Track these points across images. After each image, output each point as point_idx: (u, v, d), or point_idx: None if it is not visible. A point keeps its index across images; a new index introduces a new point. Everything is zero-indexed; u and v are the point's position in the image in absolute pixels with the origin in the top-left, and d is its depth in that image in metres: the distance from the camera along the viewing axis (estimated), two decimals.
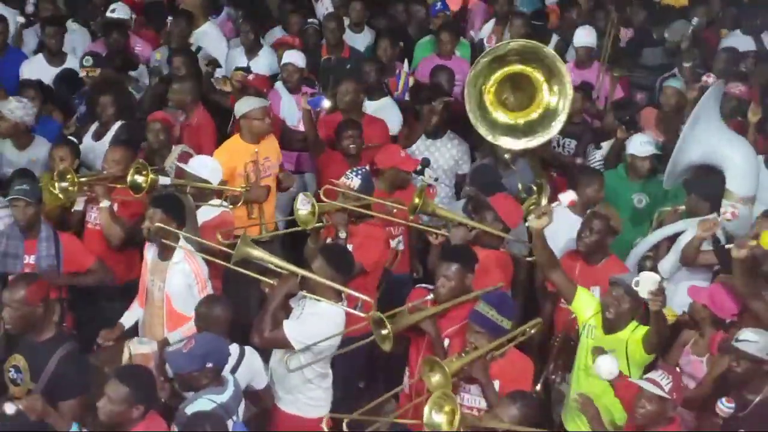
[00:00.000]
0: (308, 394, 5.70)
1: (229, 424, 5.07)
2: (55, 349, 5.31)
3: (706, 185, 6.81)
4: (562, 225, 6.58)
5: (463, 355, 5.36)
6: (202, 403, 5.02)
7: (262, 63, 8.82)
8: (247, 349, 5.60)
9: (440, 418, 5.00)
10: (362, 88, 8.02)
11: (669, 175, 6.98)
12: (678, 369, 5.49)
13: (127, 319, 6.29)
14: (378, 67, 8.40)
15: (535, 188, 7.39)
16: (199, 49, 8.93)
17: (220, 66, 8.66)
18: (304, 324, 5.55)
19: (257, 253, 5.83)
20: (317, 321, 5.55)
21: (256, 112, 7.23)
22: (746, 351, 5.29)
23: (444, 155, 7.82)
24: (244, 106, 7.31)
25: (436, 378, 5.26)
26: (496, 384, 5.37)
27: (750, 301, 5.70)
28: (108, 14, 9.30)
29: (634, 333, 5.56)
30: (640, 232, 7.14)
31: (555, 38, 9.68)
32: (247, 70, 8.37)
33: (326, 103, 7.62)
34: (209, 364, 5.10)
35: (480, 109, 7.31)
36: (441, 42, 9.07)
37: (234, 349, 5.49)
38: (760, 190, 6.84)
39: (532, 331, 5.75)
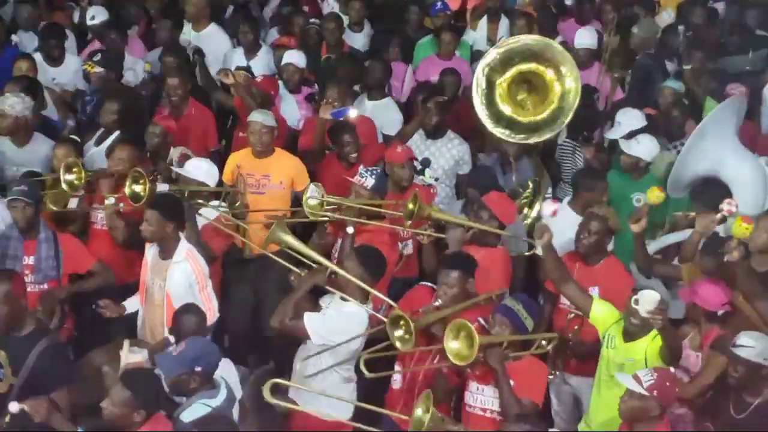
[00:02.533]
0: (329, 397, 5.69)
1: None
2: (35, 343, 5.33)
3: (712, 196, 6.72)
4: (561, 225, 6.59)
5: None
6: (196, 408, 5.01)
7: (261, 63, 8.82)
8: (223, 360, 5.55)
9: (457, 344, 5.10)
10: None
11: (673, 184, 6.96)
12: (672, 369, 5.46)
13: (130, 305, 6.30)
14: (382, 66, 8.37)
15: (530, 184, 7.37)
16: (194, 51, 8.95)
17: (204, 55, 8.65)
18: (326, 319, 5.60)
19: (291, 240, 5.85)
20: (339, 319, 5.60)
21: (252, 124, 7.22)
22: (744, 357, 5.27)
23: (444, 155, 7.79)
24: (251, 114, 7.33)
25: (455, 345, 5.27)
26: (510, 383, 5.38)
27: (753, 302, 5.67)
28: (88, 22, 9.30)
29: (654, 341, 5.53)
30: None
31: (559, 38, 9.70)
32: (249, 70, 8.36)
33: (353, 113, 7.53)
34: (198, 368, 5.09)
35: (486, 98, 7.26)
36: (442, 42, 9.06)
37: None
38: None
39: (549, 347, 5.74)
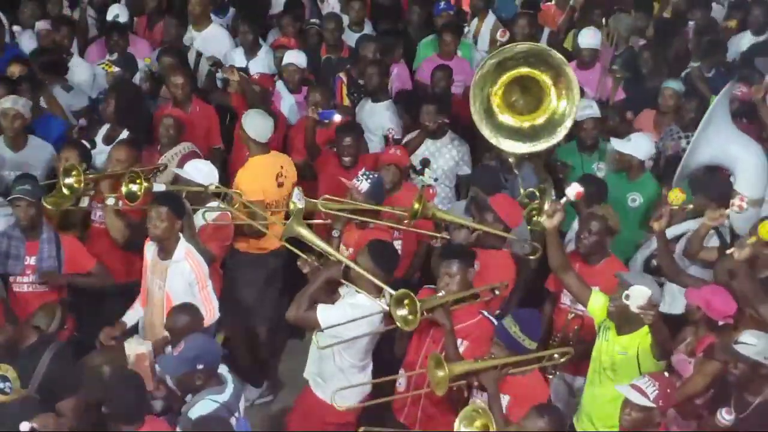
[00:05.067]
0: (339, 384, 5.74)
1: (232, 421, 5.12)
2: (43, 352, 5.34)
3: (712, 185, 6.80)
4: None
5: (478, 362, 5.40)
6: (204, 404, 5.04)
7: (261, 63, 8.83)
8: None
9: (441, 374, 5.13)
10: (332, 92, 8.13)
11: (680, 176, 6.98)
12: (666, 373, 5.45)
13: (129, 318, 6.30)
14: (381, 68, 8.38)
15: (537, 193, 7.36)
16: (200, 54, 8.98)
17: (222, 66, 8.66)
18: (335, 309, 5.66)
19: (306, 233, 5.91)
20: (348, 309, 5.64)
21: None
22: (745, 354, 5.26)
23: (444, 155, 7.82)
24: None
25: (440, 374, 5.29)
26: (506, 399, 5.38)
27: (757, 305, 5.66)
28: (109, 18, 9.28)
29: (646, 336, 5.51)
30: (635, 231, 7.16)
31: (546, 31, 9.72)
32: (245, 71, 8.37)
33: (338, 117, 7.58)
34: (200, 366, 5.11)
35: (485, 111, 7.30)
36: (443, 42, 9.05)
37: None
38: None
39: (562, 360, 5.71)
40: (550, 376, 6.20)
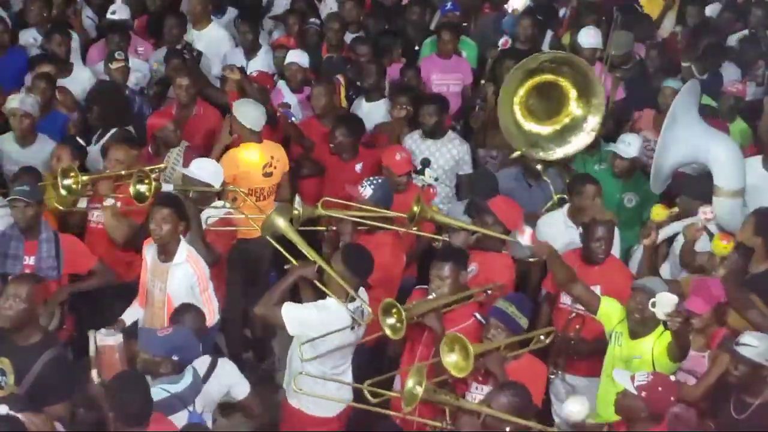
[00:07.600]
0: (315, 390, 5.66)
1: (185, 414, 5.13)
2: (41, 353, 5.32)
3: (695, 184, 6.84)
4: (557, 229, 6.71)
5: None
6: (154, 392, 4.98)
7: (261, 63, 8.83)
8: (220, 360, 5.58)
9: (454, 357, 5.20)
10: (334, 89, 8.15)
11: (655, 179, 6.99)
12: (673, 376, 5.46)
13: (128, 317, 6.27)
14: (378, 68, 8.38)
15: (567, 198, 7.31)
16: (200, 53, 8.97)
17: (192, 51, 8.70)
18: (302, 309, 5.59)
19: (286, 227, 5.88)
20: (314, 311, 5.57)
21: None
22: (746, 356, 5.27)
23: (444, 155, 7.78)
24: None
25: (453, 358, 5.29)
26: None
27: (744, 313, 5.70)
28: (108, 15, 9.23)
29: (661, 338, 5.54)
30: (631, 232, 7.18)
31: (549, 33, 9.71)
32: (242, 70, 8.33)
33: (298, 115, 7.81)
34: (174, 357, 5.13)
35: (514, 124, 7.32)
36: (441, 41, 9.01)
37: (204, 360, 5.47)
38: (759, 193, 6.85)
39: (547, 340, 5.75)
40: (552, 376, 6.20)
